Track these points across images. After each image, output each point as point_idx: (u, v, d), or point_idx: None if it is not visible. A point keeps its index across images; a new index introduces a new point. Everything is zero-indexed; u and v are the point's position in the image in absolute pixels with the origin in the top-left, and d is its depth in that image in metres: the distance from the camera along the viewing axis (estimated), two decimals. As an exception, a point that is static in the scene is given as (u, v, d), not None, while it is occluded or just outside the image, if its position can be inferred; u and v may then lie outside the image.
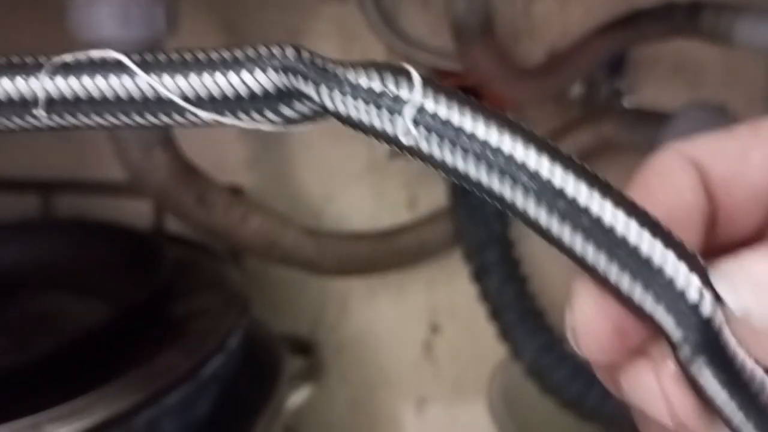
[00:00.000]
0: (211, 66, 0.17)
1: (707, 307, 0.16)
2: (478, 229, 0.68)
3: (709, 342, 0.16)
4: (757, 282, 0.16)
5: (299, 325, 0.81)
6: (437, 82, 0.17)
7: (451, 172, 0.17)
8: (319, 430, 0.82)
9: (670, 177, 0.20)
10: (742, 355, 0.17)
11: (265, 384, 0.59)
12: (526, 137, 0.16)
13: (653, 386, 0.18)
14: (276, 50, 0.17)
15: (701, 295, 0.16)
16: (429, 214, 0.73)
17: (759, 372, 0.17)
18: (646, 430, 0.21)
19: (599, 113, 0.67)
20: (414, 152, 0.17)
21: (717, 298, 0.16)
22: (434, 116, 0.16)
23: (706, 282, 0.16)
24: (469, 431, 0.81)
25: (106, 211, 0.77)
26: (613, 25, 0.62)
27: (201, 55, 0.17)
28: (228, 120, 0.18)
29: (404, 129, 0.16)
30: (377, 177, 0.77)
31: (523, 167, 0.16)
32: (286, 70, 0.17)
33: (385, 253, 0.71)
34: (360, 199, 0.78)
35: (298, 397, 0.68)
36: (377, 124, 0.17)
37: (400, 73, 0.17)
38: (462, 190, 0.67)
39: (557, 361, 0.66)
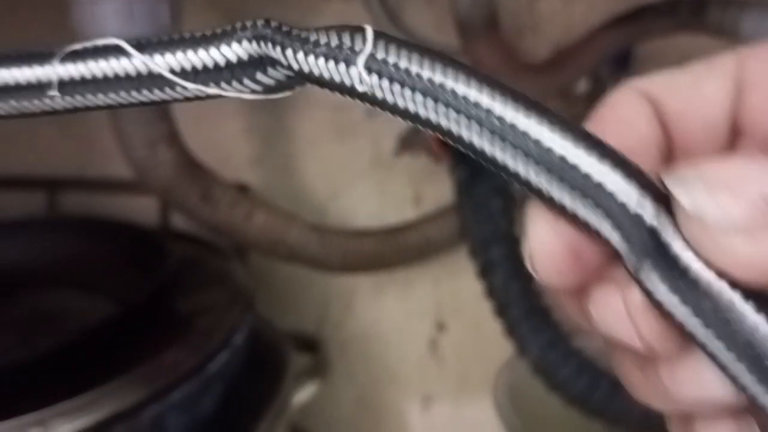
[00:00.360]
0: (194, 42, 0.19)
1: (649, 214, 0.17)
2: (484, 226, 0.67)
3: (654, 249, 0.17)
4: (712, 180, 0.16)
5: (305, 323, 0.81)
6: (390, 35, 0.18)
7: (403, 113, 0.18)
8: (325, 428, 0.82)
9: (623, 111, 0.21)
10: (694, 261, 0.16)
11: (271, 381, 0.59)
12: (467, 72, 0.17)
13: (620, 309, 0.18)
14: (249, 23, 0.19)
15: (641, 203, 0.17)
16: (434, 211, 0.73)
17: (713, 278, 0.16)
18: (619, 362, 0.20)
19: (605, 109, 0.67)
20: (369, 99, 0.18)
21: (662, 204, 0.17)
22: (385, 62, 0.18)
23: (649, 190, 0.17)
24: (475, 428, 0.81)
25: (112, 209, 0.77)
26: (617, 20, 0.62)
27: (186, 35, 0.19)
28: (212, 90, 0.19)
29: (358, 77, 0.18)
30: (382, 174, 0.76)
31: (465, 99, 0.17)
32: (257, 38, 0.19)
33: (390, 250, 0.71)
34: (365, 196, 0.78)
35: (303, 395, 0.68)
36: (336, 77, 0.18)
37: (356, 30, 0.18)
38: (468, 186, 0.67)
39: (563, 357, 0.65)
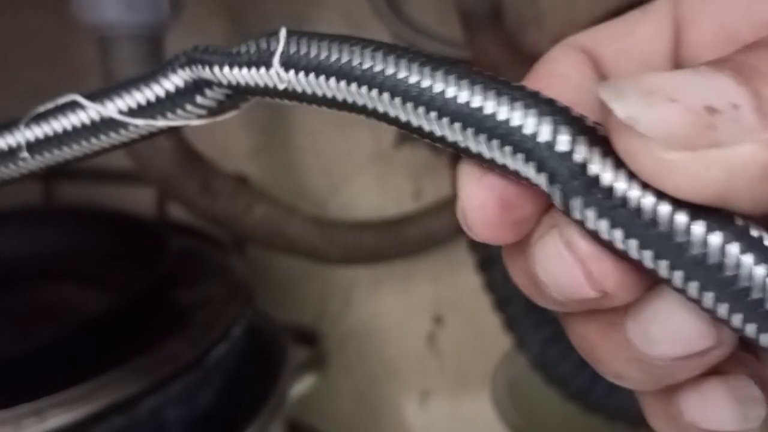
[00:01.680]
0: (137, 81, 0.21)
1: (574, 147, 0.16)
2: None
3: (586, 183, 0.16)
4: (650, 88, 0.15)
5: (303, 316, 0.81)
6: (304, 31, 0.19)
7: (325, 101, 0.19)
8: (323, 421, 0.82)
9: (556, 65, 0.20)
10: (630, 186, 0.15)
11: (269, 374, 0.59)
12: (372, 47, 0.18)
13: (563, 255, 0.17)
14: (181, 52, 0.20)
15: (561, 139, 0.16)
16: (434, 204, 0.72)
17: (653, 201, 0.15)
18: (580, 333, 0.19)
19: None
20: (291, 96, 0.19)
21: (591, 136, 0.16)
22: (297, 55, 0.18)
23: (572, 125, 0.16)
24: (473, 423, 0.81)
25: (109, 200, 0.77)
26: (621, 12, 0.61)
27: (130, 77, 0.21)
28: (161, 123, 0.21)
29: (277, 77, 0.19)
30: (382, 167, 0.76)
31: (373, 71, 0.18)
32: (189, 63, 0.20)
33: (390, 243, 0.71)
34: (365, 189, 0.77)
35: (301, 387, 0.68)
36: (260, 81, 0.19)
37: (272, 34, 0.19)
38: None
39: (563, 352, 0.65)
